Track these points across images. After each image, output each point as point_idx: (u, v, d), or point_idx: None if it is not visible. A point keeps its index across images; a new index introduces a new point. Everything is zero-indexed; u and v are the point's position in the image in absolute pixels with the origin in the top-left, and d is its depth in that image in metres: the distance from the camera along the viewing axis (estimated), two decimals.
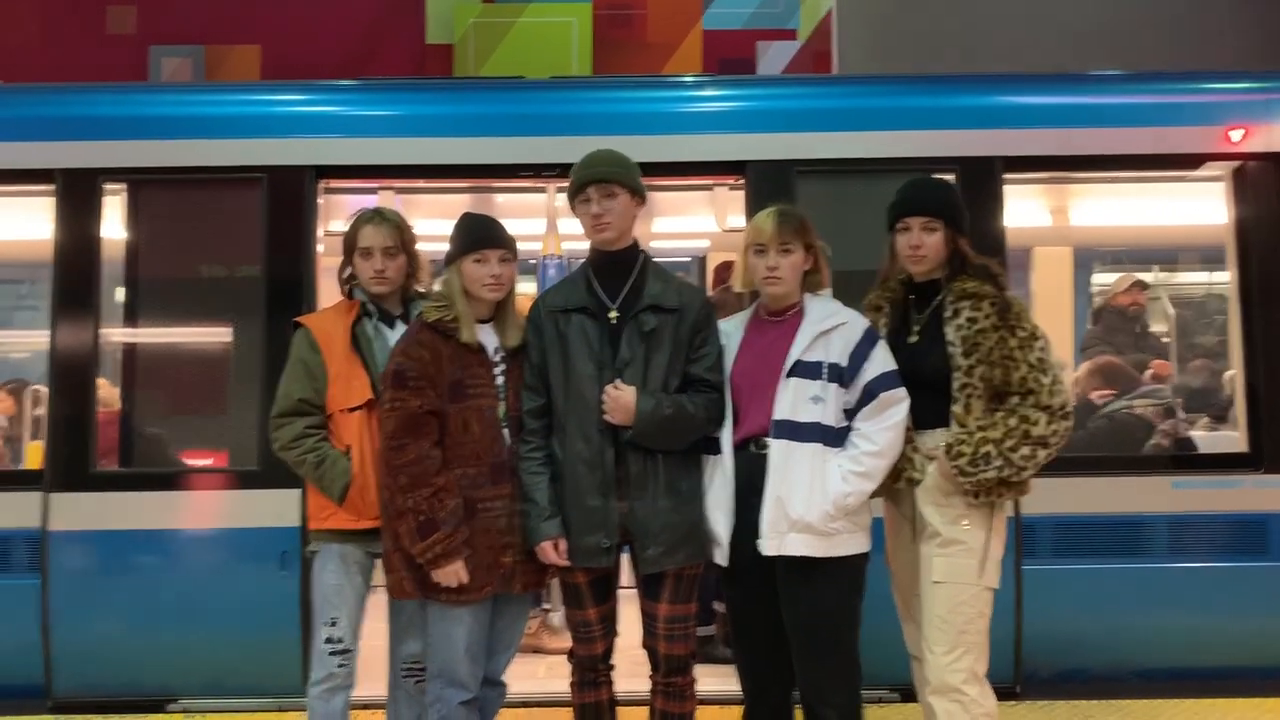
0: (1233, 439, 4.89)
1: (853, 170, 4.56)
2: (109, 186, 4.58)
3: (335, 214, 5.02)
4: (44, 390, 5.50)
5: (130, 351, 4.70)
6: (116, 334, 4.66)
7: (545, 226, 5.50)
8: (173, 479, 4.50)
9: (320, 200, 4.63)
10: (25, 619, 4.33)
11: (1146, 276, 7.17)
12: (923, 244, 3.17)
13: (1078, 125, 4.66)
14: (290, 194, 4.50)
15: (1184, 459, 4.83)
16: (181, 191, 4.64)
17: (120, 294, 4.66)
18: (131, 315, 4.67)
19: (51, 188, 4.57)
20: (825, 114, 4.74)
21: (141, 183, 4.62)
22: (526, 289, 5.78)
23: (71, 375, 4.47)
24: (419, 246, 3.52)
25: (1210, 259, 6.86)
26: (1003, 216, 4.58)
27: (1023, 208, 6.09)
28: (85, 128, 4.62)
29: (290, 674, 4.20)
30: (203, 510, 4.44)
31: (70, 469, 4.42)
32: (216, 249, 4.66)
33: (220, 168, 4.56)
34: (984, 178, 4.54)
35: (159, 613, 4.36)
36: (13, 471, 5.24)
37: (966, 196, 3.56)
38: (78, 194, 4.54)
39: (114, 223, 4.63)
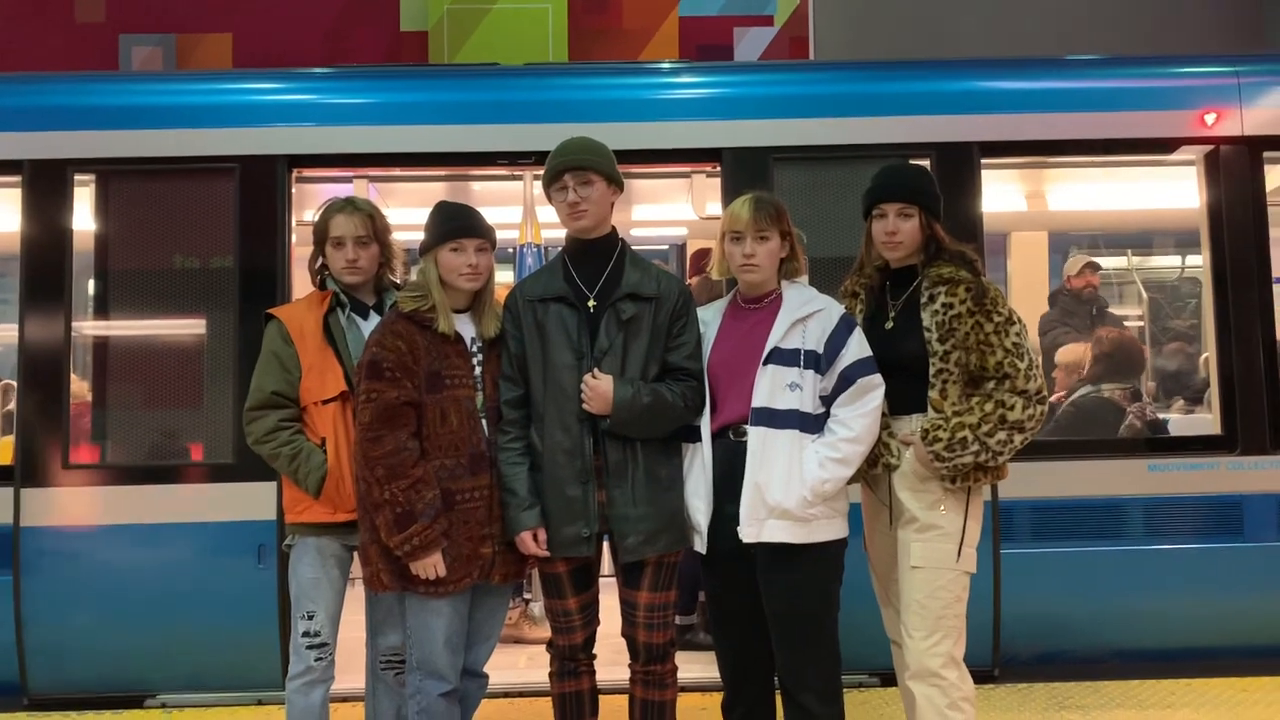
0: (1207, 421, 4.93)
1: (829, 157, 4.56)
2: (79, 177, 4.52)
3: (308, 204, 4.97)
4: (13, 384, 5.44)
5: (102, 345, 4.64)
6: (88, 327, 4.59)
7: (522, 214, 5.46)
8: (148, 473, 4.45)
9: (292, 190, 4.59)
10: None
11: (1120, 261, 7.24)
12: (898, 230, 3.17)
13: (1054, 110, 4.68)
14: (263, 184, 4.45)
15: (1160, 442, 4.86)
16: (153, 182, 4.58)
17: (92, 286, 4.60)
18: (103, 308, 4.62)
19: (18, 179, 4.51)
20: (801, 100, 4.72)
21: (112, 173, 4.56)
22: (504, 278, 5.75)
23: (42, 369, 4.42)
24: (394, 236, 3.49)
25: (1183, 243, 6.93)
26: (980, 201, 4.59)
27: (1001, 192, 6.12)
28: (54, 118, 4.55)
29: (269, 667, 4.18)
30: (179, 504, 4.39)
31: (42, 464, 4.37)
32: (189, 240, 4.60)
33: (192, 158, 4.51)
34: (961, 163, 4.54)
35: (134, 608, 4.32)
36: None
37: (944, 182, 3.57)
38: (47, 185, 4.47)
39: (85, 214, 4.57)
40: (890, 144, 4.53)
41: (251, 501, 4.20)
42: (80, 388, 4.67)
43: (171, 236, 4.57)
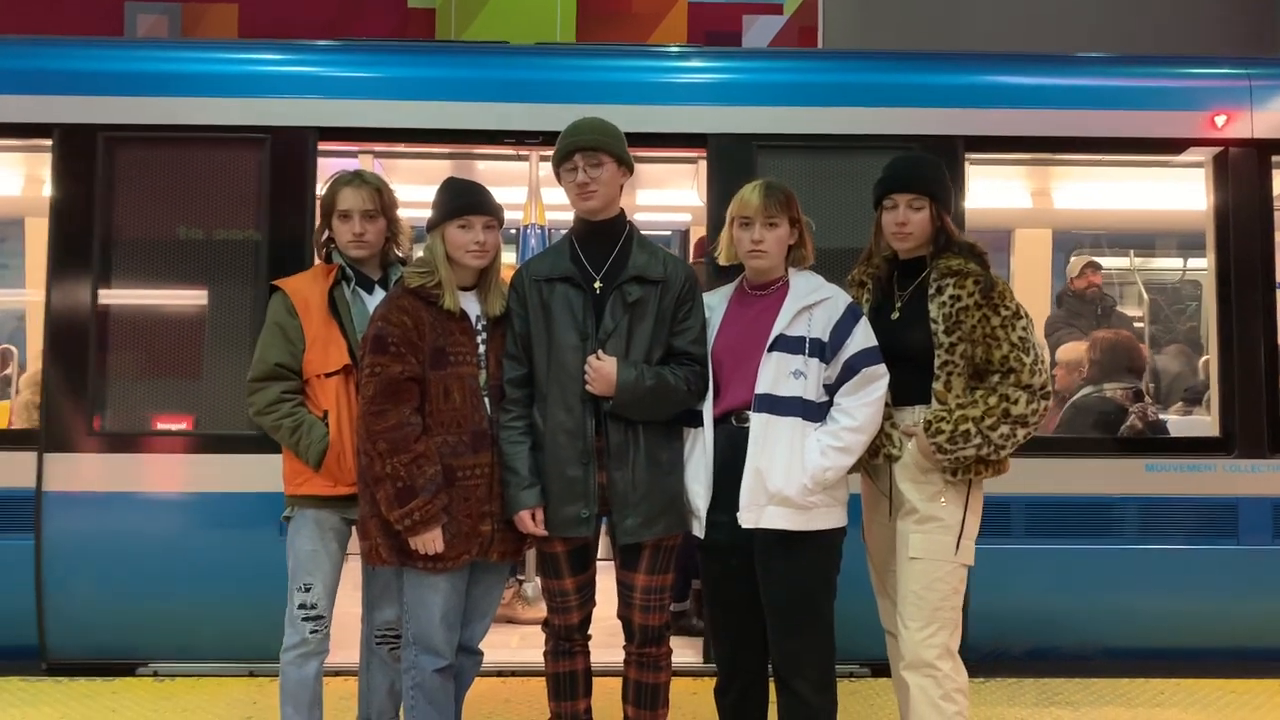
0: (1205, 423, 4.95)
1: (814, 146, 4.54)
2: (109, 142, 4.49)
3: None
4: (14, 350, 5.41)
5: (127, 312, 4.58)
6: (115, 294, 4.55)
7: (527, 195, 5.45)
8: (171, 441, 4.44)
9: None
10: (19, 580, 4.30)
11: (1121, 261, 7.24)
12: (908, 221, 3.16)
13: (1054, 106, 4.66)
14: (293, 155, 4.44)
15: (1157, 443, 4.87)
16: (183, 149, 4.55)
17: (118, 253, 4.53)
18: (131, 275, 4.57)
19: (49, 143, 4.48)
20: (789, 88, 4.69)
21: (140, 139, 4.52)
22: (507, 259, 5.74)
23: (68, 334, 4.40)
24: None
25: (1187, 244, 6.93)
26: (963, 197, 4.57)
27: (1003, 189, 6.12)
28: (84, 83, 4.53)
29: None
30: (203, 473, 4.39)
31: (66, 429, 4.35)
32: (218, 209, 4.55)
33: (225, 126, 4.50)
34: (944, 157, 4.52)
35: (153, 575, 4.31)
36: (9, 431, 5.12)
37: None
38: (76, 150, 4.45)
39: (112, 180, 4.52)
40: (873, 135, 4.52)
41: (276, 473, 4.21)
42: (104, 354, 4.64)
43: (201, 205, 4.53)
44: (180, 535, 4.36)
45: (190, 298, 4.57)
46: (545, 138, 4.41)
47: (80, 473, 4.35)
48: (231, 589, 4.27)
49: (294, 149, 4.47)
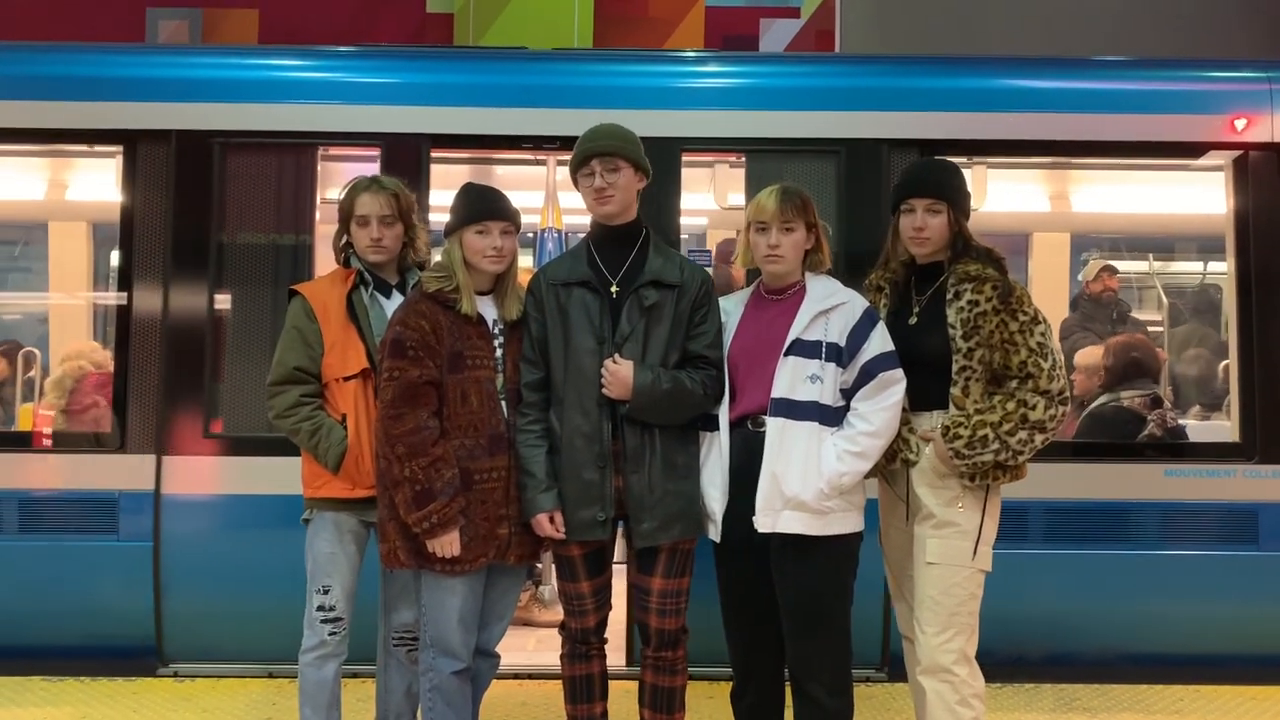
0: (1225, 428, 4.91)
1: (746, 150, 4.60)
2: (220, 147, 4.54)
3: (332, 182, 4.98)
4: (37, 353, 5.45)
5: (239, 316, 4.59)
6: (229, 298, 4.58)
7: (544, 199, 5.47)
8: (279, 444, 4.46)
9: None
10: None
11: (1140, 265, 7.19)
12: (926, 226, 3.16)
13: (1066, 110, 4.65)
14: (409, 161, 4.45)
15: (1177, 448, 4.83)
16: (293, 155, 4.60)
17: (233, 257, 4.56)
18: (245, 279, 4.57)
19: (166, 148, 4.53)
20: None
21: (253, 146, 4.57)
22: (524, 263, 5.75)
23: (184, 338, 4.42)
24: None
25: (1205, 249, 6.87)
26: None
27: (1020, 193, 6.09)
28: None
29: None
30: None
31: (183, 432, 4.39)
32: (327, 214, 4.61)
33: (340, 133, 4.56)
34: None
35: (270, 578, 4.23)
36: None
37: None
38: (192, 155, 4.50)
39: (224, 184, 4.57)
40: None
41: None
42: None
43: (311, 210, 4.57)
44: (296, 538, 4.37)
45: None
46: None
47: (197, 475, 4.39)
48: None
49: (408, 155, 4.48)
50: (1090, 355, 5.40)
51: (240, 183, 4.55)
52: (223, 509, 4.44)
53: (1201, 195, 5.17)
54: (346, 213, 3.39)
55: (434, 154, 4.58)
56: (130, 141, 4.54)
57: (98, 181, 5.31)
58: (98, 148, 4.81)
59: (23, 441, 4.67)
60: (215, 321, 4.50)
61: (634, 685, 3.27)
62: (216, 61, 4.87)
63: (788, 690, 3.22)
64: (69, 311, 6.14)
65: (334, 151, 4.77)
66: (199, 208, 4.49)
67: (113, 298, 4.82)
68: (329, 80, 4.74)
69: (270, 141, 4.56)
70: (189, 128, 4.51)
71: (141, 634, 4.40)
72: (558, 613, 3.35)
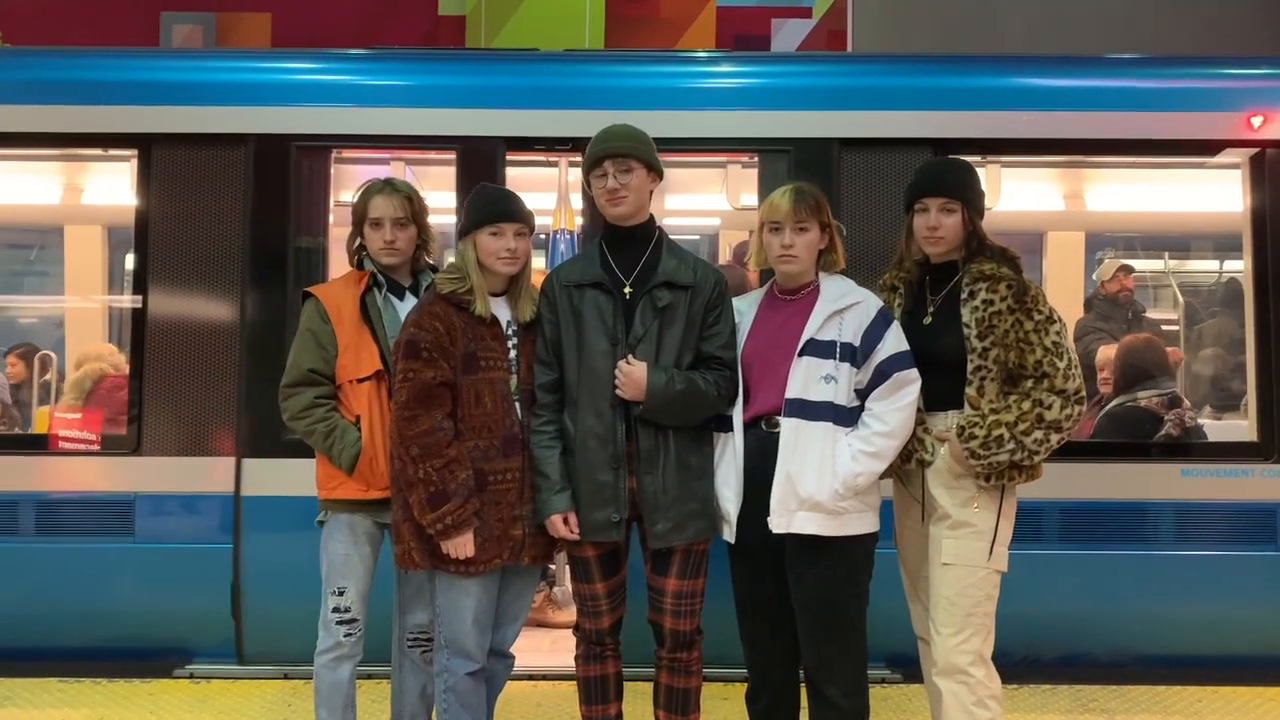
0: (1242, 428, 4.88)
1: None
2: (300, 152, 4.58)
3: (345, 185, 4.99)
4: (53, 356, 5.47)
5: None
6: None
7: (556, 200, 5.47)
8: None
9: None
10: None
11: (1156, 264, 7.14)
12: (940, 225, 3.15)
13: (1076, 108, 4.62)
14: (483, 164, 4.49)
15: (1193, 447, 4.80)
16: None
17: (311, 261, 4.58)
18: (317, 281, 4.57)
19: (242, 151, 4.55)
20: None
21: (331, 149, 4.61)
22: (537, 264, 5.75)
23: (263, 342, 4.43)
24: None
25: (1221, 247, 6.83)
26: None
27: (1035, 192, 6.06)
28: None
29: None
30: None
31: (261, 435, 4.41)
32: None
33: (414, 136, 4.60)
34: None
35: None
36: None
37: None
38: (271, 159, 4.53)
39: (303, 188, 4.60)
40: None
41: None
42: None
43: None
44: None
45: None
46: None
47: (276, 478, 4.40)
48: None
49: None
50: (1109, 354, 5.38)
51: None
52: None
53: (1218, 193, 5.13)
54: (359, 215, 3.40)
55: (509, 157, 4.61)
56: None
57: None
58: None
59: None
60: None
61: (649, 686, 3.27)
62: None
63: (803, 691, 3.22)
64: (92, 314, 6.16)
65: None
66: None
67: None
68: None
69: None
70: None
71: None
72: (572, 614, 3.34)
